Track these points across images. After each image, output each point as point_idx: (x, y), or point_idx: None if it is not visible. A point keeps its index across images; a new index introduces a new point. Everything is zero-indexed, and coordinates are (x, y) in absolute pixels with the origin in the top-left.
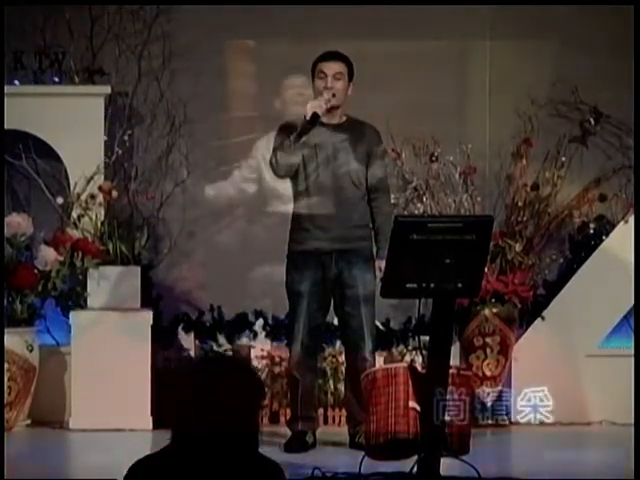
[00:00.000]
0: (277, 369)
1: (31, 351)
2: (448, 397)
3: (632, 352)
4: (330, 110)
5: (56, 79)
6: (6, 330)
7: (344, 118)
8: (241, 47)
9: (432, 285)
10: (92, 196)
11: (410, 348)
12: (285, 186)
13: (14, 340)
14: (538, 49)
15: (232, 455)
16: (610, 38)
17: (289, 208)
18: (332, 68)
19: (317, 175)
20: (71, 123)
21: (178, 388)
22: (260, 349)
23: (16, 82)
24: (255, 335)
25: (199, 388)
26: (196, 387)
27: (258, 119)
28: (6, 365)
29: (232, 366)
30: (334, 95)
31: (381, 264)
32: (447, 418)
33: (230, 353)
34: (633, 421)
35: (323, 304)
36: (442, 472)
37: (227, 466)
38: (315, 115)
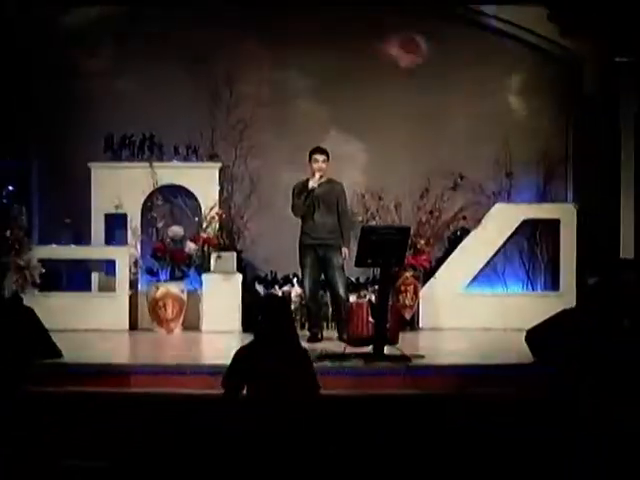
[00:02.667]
0: (303, 302)
1: (183, 292)
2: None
3: (481, 293)
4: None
5: (194, 159)
6: (170, 282)
7: (325, 179)
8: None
9: (380, 260)
10: (213, 217)
11: (369, 292)
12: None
13: (175, 287)
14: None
15: (284, 342)
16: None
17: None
18: (320, 157)
19: (312, 208)
20: (202, 181)
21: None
22: (295, 292)
23: (174, 161)
24: (293, 285)
25: (266, 308)
26: (265, 308)
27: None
28: (170, 300)
29: (275, 298)
30: (320, 170)
31: (344, 250)
32: (387, 325)
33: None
34: None
35: (317, 271)
36: (385, 352)
37: (284, 351)
38: (313, 187)
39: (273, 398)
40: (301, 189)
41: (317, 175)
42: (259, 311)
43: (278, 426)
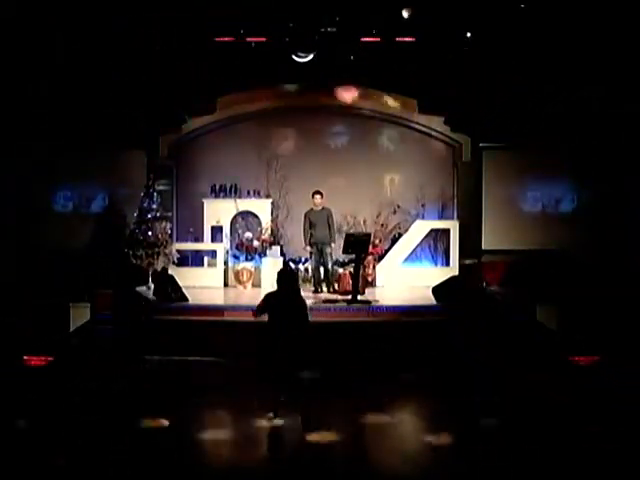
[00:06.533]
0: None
1: (252, 267)
2: (359, 279)
3: (408, 267)
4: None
5: (257, 197)
6: (245, 262)
7: (322, 207)
8: None
9: (355, 250)
10: (267, 228)
11: (350, 266)
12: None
13: (247, 264)
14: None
15: (290, 293)
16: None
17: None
18: (318, 196)
19: (316, 224)
20: (262, 209)
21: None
22: (309, 267)
23: (247, 198)
24: (305, 262)
25: (281, 275)
26: (280, 275)
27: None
28: (245, 271)
29: (286, 270)
30: (318, 202)
31: (332, 245)
32: (359, 284)
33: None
34: None
35: (318, 256)
36: (358, 298)
37: (291, 298)
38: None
39: (279, 323)
40: (308, 215)
41: (318, 204)
42: (278, 275)
43: (283, 339)
